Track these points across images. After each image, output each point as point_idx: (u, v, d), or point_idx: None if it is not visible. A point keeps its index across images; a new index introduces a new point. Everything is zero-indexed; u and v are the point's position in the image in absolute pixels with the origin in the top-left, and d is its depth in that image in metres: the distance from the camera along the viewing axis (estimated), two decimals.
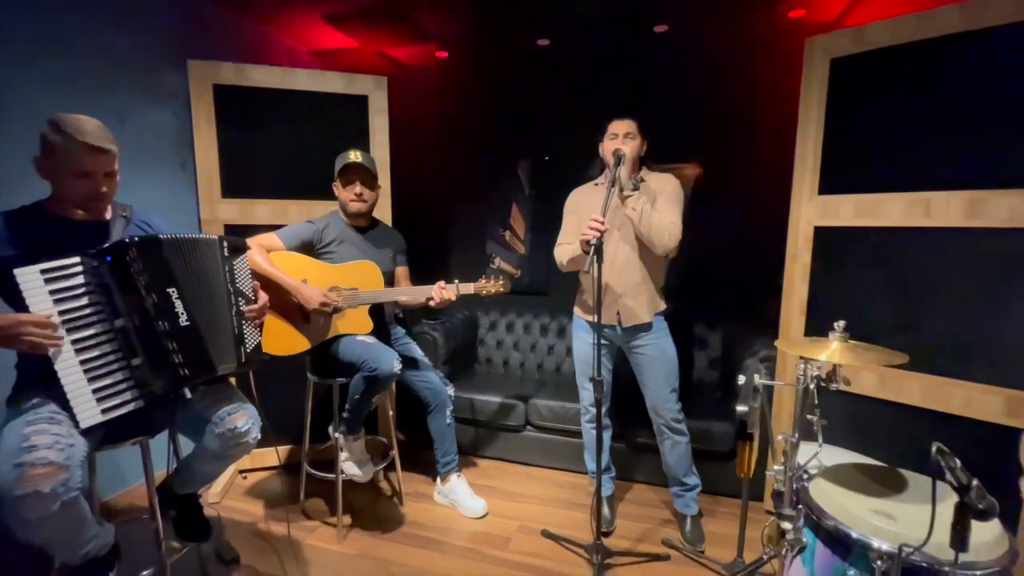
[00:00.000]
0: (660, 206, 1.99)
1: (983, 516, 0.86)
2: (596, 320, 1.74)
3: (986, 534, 1.00)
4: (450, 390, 2.34)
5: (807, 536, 1.15)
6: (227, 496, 2.45)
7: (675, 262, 2.50)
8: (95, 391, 1.31)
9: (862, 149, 1.99)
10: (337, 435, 2.09)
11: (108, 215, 1.49)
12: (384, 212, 2.66)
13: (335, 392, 2.13)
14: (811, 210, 2.10)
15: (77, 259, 1.30)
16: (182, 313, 1.41)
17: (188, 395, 1.44)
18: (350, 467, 2.10)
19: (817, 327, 2.11)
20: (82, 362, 1.30)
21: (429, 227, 3.61)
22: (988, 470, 1.76)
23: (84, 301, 1.31)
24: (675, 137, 2.96)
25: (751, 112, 2.87)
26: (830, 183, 2.06)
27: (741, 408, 1.25)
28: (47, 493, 1.13)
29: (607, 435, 2.26)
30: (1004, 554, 0.99)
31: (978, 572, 0.97)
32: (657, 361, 2.01)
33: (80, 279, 1.30)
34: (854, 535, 1.03)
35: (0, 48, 1.84)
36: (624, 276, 2.03)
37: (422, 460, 2.68)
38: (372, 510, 2.36)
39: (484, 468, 2.78)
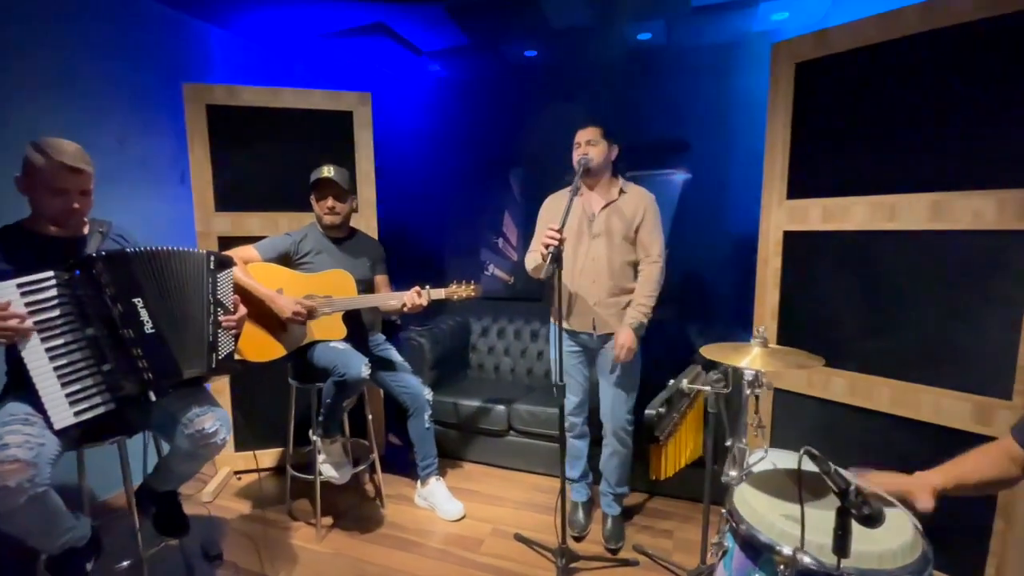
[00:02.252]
0: (645, 235, 2.04)
1: (868, 522, 0.86)
2: (558, 326, 1.78)
3: (891, 541, 1.00)
4: (428, 394, 2.39)
5: (728, 540, 1.17)
6: (220, 496, 2.56)
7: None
8: (68, 395, 1.42)
9: (829, 153, 1.97)
10: (315, 438, 2.17)
11: (85, 231, 1.61)
12: (370, 223, 2.75)
13: (312, 397, 2.22)
14: (780, 215, 2.09)
15: (51, 273, 1.41)
16: (147, 321, 1.52)
17: (153, 398, 1.54)
18: (328, 469, 2.18)
19: (789, 332, 2.10)
20: (56, 368, 1.41)
21: (424, 236, 3.71)
22: None
23: (57, 312, 1.42)
24: (664, 144, 2.99)
25: (738, 118, 2.86)
26: (798, 188, 2.05)
27: (648, 412, 1.27)
28: (13, 488, 1.23)
29: (584, 443, 2.28)
30: (913, 562, 0.99)
31: None
32: (621, 367, 2.03)
33: (53, 292, 1.42)
34: (762, 539, 1.04)
35: (2, 76, 2.00)
36: (597, 285, 2.06)
37: (410, 464, 2.75)
38: (354, 512, 2.44)
39: (468, 471, 2.83)
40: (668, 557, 2.04)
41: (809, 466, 0.91)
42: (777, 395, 2.16)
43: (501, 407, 2.77)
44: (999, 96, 1.61)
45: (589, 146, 2.03)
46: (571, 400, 2.18)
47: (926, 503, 1.04)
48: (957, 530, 1.72)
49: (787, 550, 0.99)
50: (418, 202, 3.65)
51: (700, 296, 3.04)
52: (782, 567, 0.98)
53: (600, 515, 2.27)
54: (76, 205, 1.49)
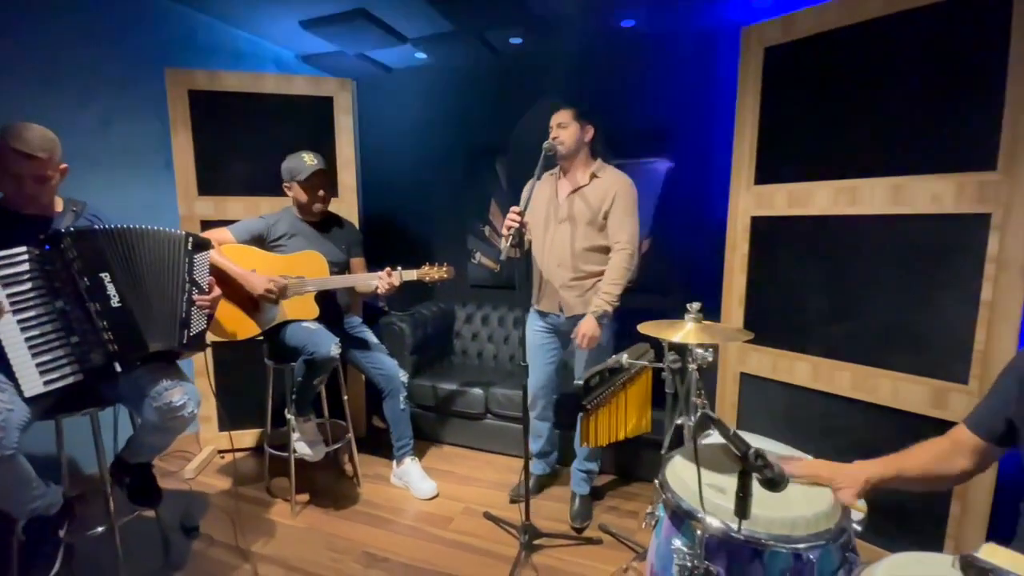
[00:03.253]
0: (614, 221, 2.02)
1: (770, 485, 0.89)
2: (524, 309, 1.81)
3: (805, 509, 1.02)
4: (403, 376, 2.44)
5: (660, 510, 1.20)
6: (202, 473, 2.63)
7: (648, 253, 2.54)
8: (38, 365, 1.48)
9: (795, 138, 1.98)
10: (289, 416, 2.22)
11: (59, 209, 1.66)
12: (351, 208, 2.79)
13: (287, 377, 2.27)
14: (748, 200, 2.10)
15: (24, 249, 1.47)
16: (114, 296, 1.57)
17: (119, 369, 1.59)
18: (302, 447, 2.24)
19: (756, 317, 2.12)
20: (27, 339, 1.47)
21: (410, 224, 3.74)
22: None
23: (28, 286, 1.48)
24: (650, 131, 2.99)
25: (722, 105, 2.85)
26: (766, 173, 2.06)
27: (576, 382, 1.30)
28: None
29: (547, 426, 2.33)
30: (826, 531, 1.01)
31: (801, 545, 0.99)
32: (589, 350, 2.06)
33: (25, 266, 1.47)
34: (684, 506, 1.07)
35: None
36: (563, 268, 2.09)
37: (389, 445, 2.80)
38: (331, 490, 2.49)
39: (445, 453, 2.88)
40: (631, 536, 2.08)
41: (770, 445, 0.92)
42: (744, 380, 2.18)
43: (479, 390, 2.81)
44: (959, 80, 1.61)
45: (560, 129, 2.05)
46: (536, 380, 2.21)
47: (847, 497, 1.06)
48: (915, 514, 1.75)
49: (700, 514, 1.01)
50: (404, 190, 3.68)
51: (682, 282, 3.04)
52: (699, 532, 1.01)
53: (569, 496, 2.31)
54: (28, 191, 1.53)
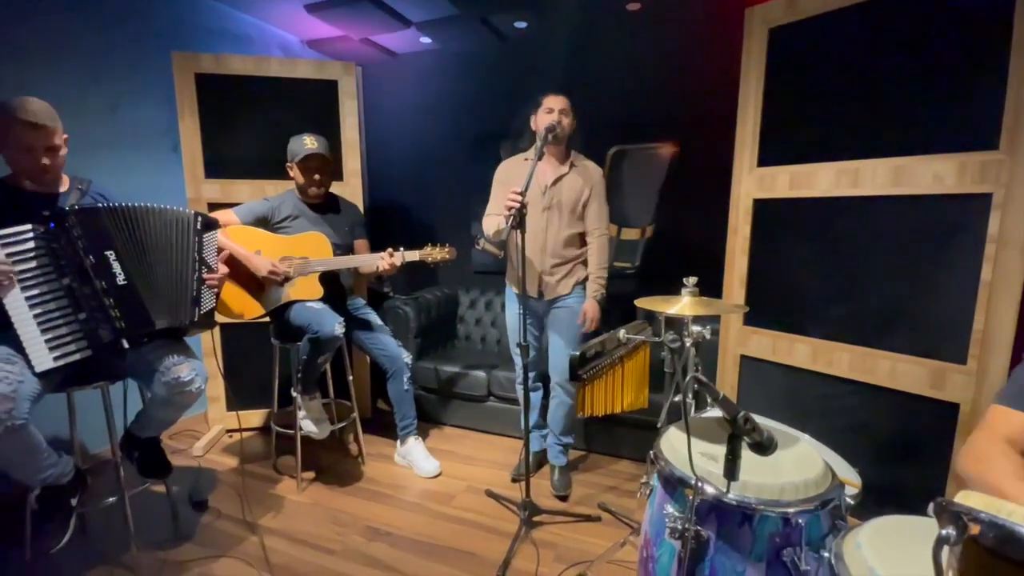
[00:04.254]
0: (593, 210, 2.14)
1: (759, 449, 0.91)
2: (516, 290, 1.84)
3: (795, 475, 1.04)
4: (407, 357, 2.47)
5: (654, 480, 1.22)
6: (211, 451, 2.69)
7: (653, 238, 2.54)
8: (47, 341, 1.52)
9: (797, 120, 1.97)
10: (295, 395, 2.27)
11: (64, 187, 1.69)
12: (356, 192, 2.81)
13: (293, 356, 2.31)
14: (750, 182, 2.10)
15: (29, 227, 1.50)
16: (119, 273, 1.61)
17: (126, 345, 1.63)
18: (307, 424, 2.28)
19: (757, 300, 2.12)
20: (36, 315, 1.51)
21: (414, 209, 3.76)
22: (915, 442, 1.77)
23: (35, 263, 1.51)
24: (656, 116, 2.98)
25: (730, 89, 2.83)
26: (768, 155, 2.05)
27: (572, 354, 1.32)
28: None
29: (537, 395, 2.41)
30: (815, 496, 1.03)
31: (790, 510, 1.01)
32: (565, 321, 2.13)
33: (31, 244, 1.51)
34: (676, 473, 1.09)
35: None
36: (547, 253, 2.15)
37: (394, 427, 2.84)
38: (336, 468, 2.54)
39: (448, 434, 2.92)
40: (630, 515, 2.10)
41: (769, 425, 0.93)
42: (744, 362, 2.20)
43: (482, 373, 2.84)
44: (962, 59, 1.60)
45: (562, 115, 2.06)
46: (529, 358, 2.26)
47: None
48: (910, 492, 1.77)
49: (693, 480, 1.04)
50: (408, 176, 3.70)
51: (683, 266, 3.05)
52: (690, 497, 1.04)
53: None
54: (45, 161, 1.56)
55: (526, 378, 1.95)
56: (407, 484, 2.41)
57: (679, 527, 1.01)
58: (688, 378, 0.93)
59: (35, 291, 1.50)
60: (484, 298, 3.49)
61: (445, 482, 2.42)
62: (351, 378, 2.48)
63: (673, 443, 1.19)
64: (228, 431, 2.88)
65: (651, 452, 1.22)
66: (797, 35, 1.93)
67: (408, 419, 2.52)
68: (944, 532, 0.52)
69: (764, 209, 2.08)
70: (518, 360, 2.26)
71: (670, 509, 1.08)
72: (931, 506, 0.57)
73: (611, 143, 3.10)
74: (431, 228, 3.77)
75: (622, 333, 1.39)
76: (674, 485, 1.11)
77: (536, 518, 2.05)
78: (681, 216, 2.98)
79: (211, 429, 2.83)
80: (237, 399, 2.74)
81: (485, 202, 2.28)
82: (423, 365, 2.96)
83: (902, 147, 1.71)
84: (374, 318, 2.50)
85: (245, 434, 2.88)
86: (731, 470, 0.90)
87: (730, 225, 2.19)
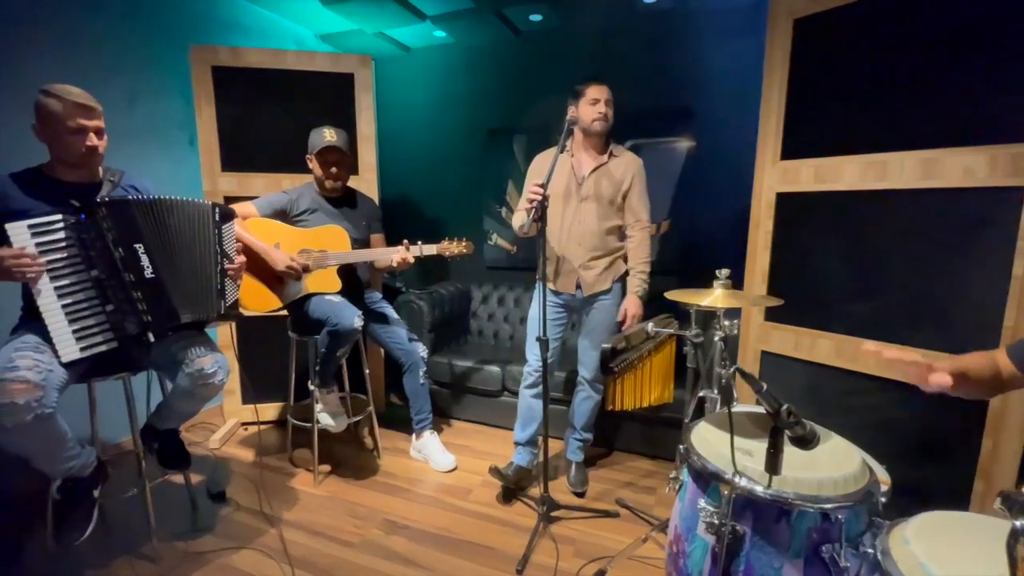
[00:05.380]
0: (634, 200, 2.09)
1: (800, 442, 0.90)
2: (542, 283, 1.82)
3: (833, 471, 1.02)
4: (423, 352, 2.46)
5: (684, 475, 1.21)
6: (227, 444, 2.70)
7: (669, 234, 2.51)
8: (75, 331, 1.53)
9: (823, 112, 1.94)
10: (312, 388, 2.26)
11: (99, 178, 1.69)
12: (371, 186, 2.81)
13: (311, 349, 2.31)
14: (773, 176, 2.08)
15: (59, 216, 1.50)
16: (147, 266, 1.60)
17: (152, 339, 1.63)
18: (324, 417, 2.28)
19: (778, 294, 2.09)
20: (64, 306, 1.51)
21: (427, 204, 3.76)
22: (942, 439, 1.75)
23: (64, 254, 1.51)
24: (673, 110, 2.96)
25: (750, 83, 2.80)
26: (792, 148, 2.03)
27: (604, 346, 1.30)
28: (21, 405, 1.34)
29: (539, 405, 2.24)
30: (853, 493, 1.02)
31: (828, 505, 0.99)
32: (600, 318, 2.08)
33: (61, 234, 1.51)
34: (710, 468, 1.08)
35: (15, 38, 2.08)
36: (583, 248, 2.09)
37: (409, 421, 2.84)
38: (352, 461, 2.54)
39: (462, 429, 2.92)
40: (649, 511, 2.09)
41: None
42: (764, 358, 2.17)
43: (496, 368, 2.83)
44: (994, 49, 1.57)
45: (607, 106, 2.04)
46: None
47: (940, 377, 1.01)
48: (937, 490, 1.74)
49: (729, 475, 1.02)
50: (422, 170, 3.69)
51: (701, 261, 3.03)
52: (726, 492, 1.02)
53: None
54: (96, 141, 1.57)
55: (545, 373, 1.93)
56: (423, 478, 2.41)
57: (715, 522, 0.99)
58: (731, 368, 0.92)
59: (64, 281, 1.51)
60: (497, 293, 3.48)
61: (461, 476, 2.41)
62: (367, 372, 2.48)
63: (706, 437, 1.17)
64: (243, 424, 2.89)
65: (681, 447, 1.21)
66: (823, 25, 1.90)
67: (424, 413, 2.52)
68: (1019, 524, 0.51)
69: (787, 203, 2.05)
70: (532, 357, 2.23)
71: (704, 504, 1.06)
72: (998, 499, 0.56)
73: (626, 137, 3.07)
74: (443, 223, 3.77)
75: (650, 327, 1.37)
76: (707, 480, 1.09)
77: (553, 514, 2.05)
78: (698, 211, 2.96)
79: (227, 422, 2.83)
80: (254, 392, 2.75)
81: (497, 198, 2.27)
82: (437, 359, 2.96)
83: (931, 139, 1.69)
84: (390, 312, 2.49)
85: (260, 427, 2.89)
86: (773, 464, 0.88)
87: (752, 219, 2.16)
